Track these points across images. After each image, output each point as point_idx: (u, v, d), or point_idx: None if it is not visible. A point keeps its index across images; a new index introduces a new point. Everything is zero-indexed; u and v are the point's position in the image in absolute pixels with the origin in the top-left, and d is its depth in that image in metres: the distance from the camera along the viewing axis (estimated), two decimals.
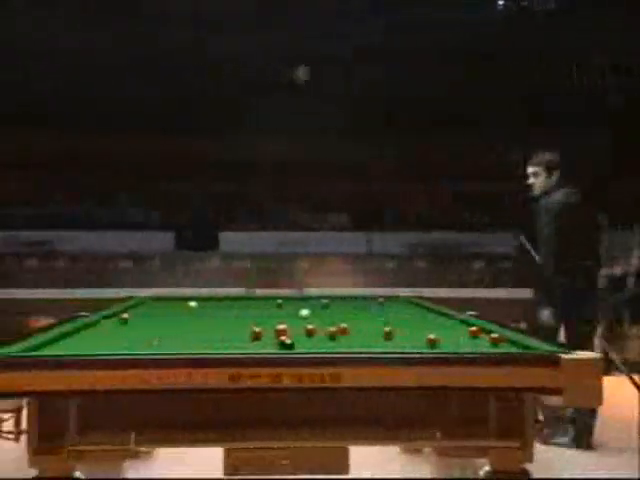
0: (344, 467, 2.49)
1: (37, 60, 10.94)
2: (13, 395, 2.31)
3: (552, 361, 2.38)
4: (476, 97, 11.10)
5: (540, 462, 2.54)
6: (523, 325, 5.98)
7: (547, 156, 5.13)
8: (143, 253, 10.96)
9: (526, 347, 2.68)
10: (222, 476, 2.48)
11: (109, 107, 11.52)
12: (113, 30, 10.72)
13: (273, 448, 2.45)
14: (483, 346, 2.78)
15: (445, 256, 9.14)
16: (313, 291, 7.54)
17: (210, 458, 2.68)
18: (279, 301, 4.74)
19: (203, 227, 11.73)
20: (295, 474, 2.47)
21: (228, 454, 2.46)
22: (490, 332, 2.95)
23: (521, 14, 10.65)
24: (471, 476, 3.43)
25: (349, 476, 2.52)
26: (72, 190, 12.74)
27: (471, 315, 3.70)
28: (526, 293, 9.72)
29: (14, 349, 2.49)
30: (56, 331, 3.02)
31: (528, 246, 5.23)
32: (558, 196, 4.92)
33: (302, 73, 11.54)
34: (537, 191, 5.11)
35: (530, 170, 5.16)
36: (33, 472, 2.41)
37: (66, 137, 12.17)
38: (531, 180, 5.12)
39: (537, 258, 4.99)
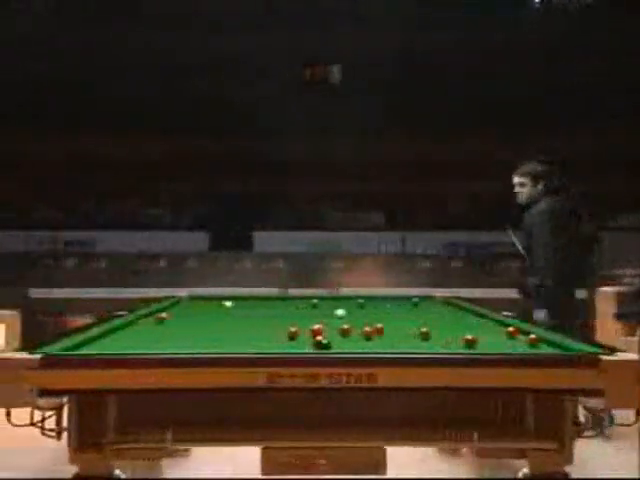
0: (381, 467, 2.47)
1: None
2: (54, 393, 2.33)
3: (592, 362, 2.34)
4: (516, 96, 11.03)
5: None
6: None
7: (533, 166, 5.26)
8: (178, 253, 11.04)
9: (565, 348, 2.64)
10: (260, 476, 2.48)
11: (140, 108, 11.62)
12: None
13: (311, 448, 2.44)
14: (521, 347, 2.75)
15: (480, 256, 9.04)
16: (348, 291, 7.53)
17: (247, 457, 2.68)
18: (314, 301, 4.74)
19: (237, 227, 11.78)
20: (332, 474, 2.46)
21: (266, 454, 2.45)
22: (528, 333, 2.92)
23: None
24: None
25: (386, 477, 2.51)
26: (108, 191, 12.89)
27: (507, 316, 3.67)
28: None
29: (54, 348, 2.51)
30: (95, 330, 3.04)
31: (515, 240, 5.29)
32: (542, 205, 5.01)
33: (336, 72, 11.53)
34: (524, 201, 5.22)
35: (516, 180, 5.30)
36: (74, 469, 2.44)
37: (102, 138, 12.33)
38: (517, 189, 5.26)
39: (523, 252, 5.07)
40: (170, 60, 11.21)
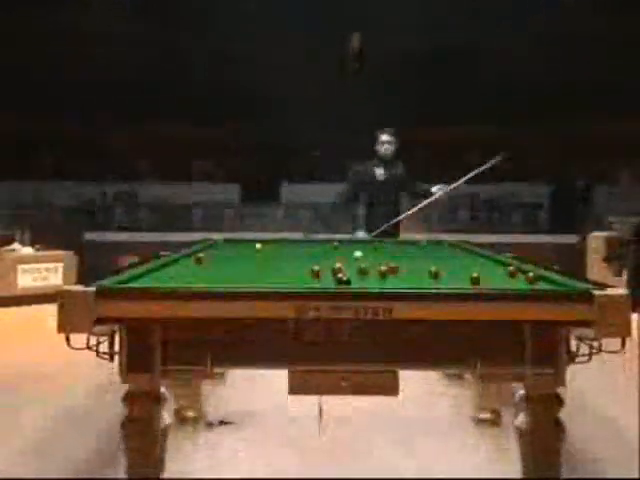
0: (394, 389, 2.50)
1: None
2: (106, 321, 2.36)
3: (585, 297, 2.34)
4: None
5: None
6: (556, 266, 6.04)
7: (392, 130, 6.05)
8: (213, 203, 11.08)
9: (560, 284, 2.63)
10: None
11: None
12: None
13: (332, 371, 2.47)
14: (521, 284, 2.74)
15: (485, 205, 9.00)
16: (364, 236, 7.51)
17: (275, 382, 2.73)
18: (335, 244, 4.74)
19: (265, 180, 11.77)
20: (351, 394, 2.50)
21: (292, 376, 2.49)
22: (527, 272, 2.91)
23: None
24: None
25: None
26: (154, 147, 12.96)
27: (509, 257, 3.65)
28: (559, 239, 9.59)
29: (106, 282, 2.54)
30: (142, 268, 3.07)
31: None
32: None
33: (356, 41, 11.31)
34: (389, 156, 6.03)
35: (386, 138, 6.02)
36: (125, 387, 2.49)
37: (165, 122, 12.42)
38: (386, 146, 6.00)
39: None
40: (219, 56, 11.12)
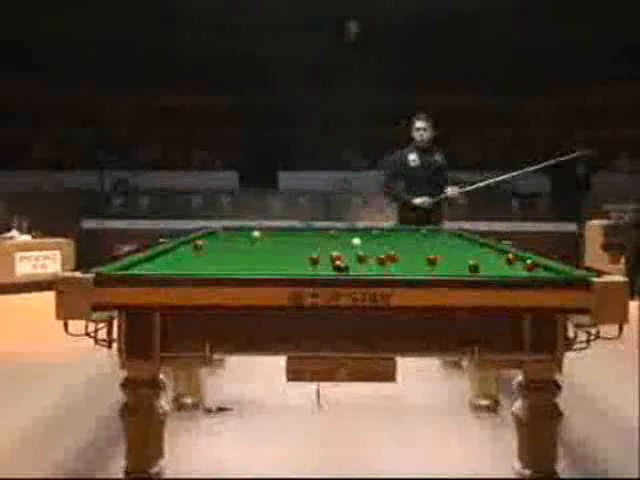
0: (392, 376, 2.50)
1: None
2: (105, 308, 2.36)
3: (583, 284, 2.33)
4: None
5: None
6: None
7: (427, 116, 5.90)
8: (212, 191, 11.04)
9: (559, 272, 2.63)
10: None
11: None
12: None
13: (330, 358, 2.47)
14: (519, 272, 2.74)
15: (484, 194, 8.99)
16: (363, 224, 7.52)
17: (273, 369, 2.73)
18: (333, 232, 4.74)
19: (263, 168, 11.71)
20: (349, 381, 2.50)
21: (290, 362, 2.48)
22: (525, 259, 2.91)
23: None
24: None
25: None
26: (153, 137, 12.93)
27: (508, 245, 3.65)
28: (558, 227, 9.59)
29: (105, 269, 2.53)
30: (140, 255, 3.06)
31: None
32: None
33: (353, 27, 11.23)
34: (425, 142, 5.88)
35: (421, 124, 5.88)
36: (124, 373, 2.49)
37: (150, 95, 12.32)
38: (422, 132, 5.86)
39: None
40: (217, 26, 10.97)
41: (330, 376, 2.49)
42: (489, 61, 10.96)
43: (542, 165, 6.17)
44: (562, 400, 2.50)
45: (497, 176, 6.33)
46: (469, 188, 6.00)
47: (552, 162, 6.14)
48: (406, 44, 10.68)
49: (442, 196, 5.79)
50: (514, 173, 6.26)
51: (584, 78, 11.06)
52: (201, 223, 6.25)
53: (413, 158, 5.91)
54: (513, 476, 2.58)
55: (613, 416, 3.72)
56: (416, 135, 5.91)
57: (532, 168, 6.19)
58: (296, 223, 8.90)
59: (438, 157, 5.97)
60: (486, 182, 6.17)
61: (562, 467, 2.59)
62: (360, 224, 8.18)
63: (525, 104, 12.47)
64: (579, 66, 10.79)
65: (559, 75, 11.21)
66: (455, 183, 5.99)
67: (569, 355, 2.43)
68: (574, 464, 2.99)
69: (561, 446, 2.59)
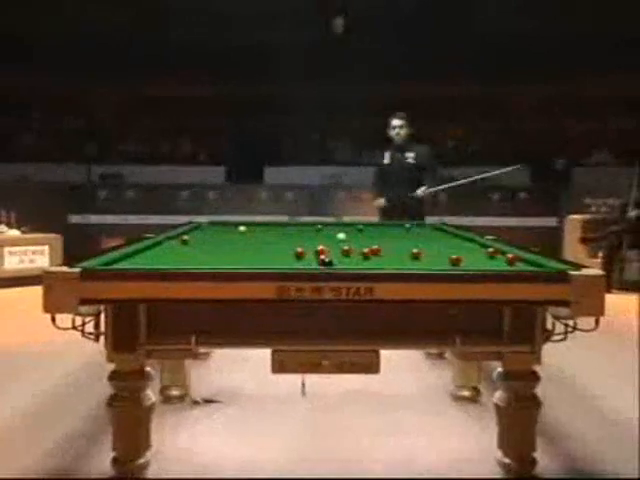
0: (375, 367, 2.53)
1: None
2: (92, 302, 2.36)
3: (561, 277, 2.37)
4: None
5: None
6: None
7: (403, 114, 6.06)
8: (199, 185, 11.00)
9: (538, 265, 2.66)
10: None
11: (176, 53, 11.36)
12: None
13: (314, 351, 2.49)
14: (500, 265, 2.77)
15: (466, 188, 9.05)
16: (349, 219, 7.54)
17: (258, 361, 2.74)
18: (318, 226, 4.75)
19: (250, 162, 11.68)
20: (333, 373, 2.52)
21: (275, 355, 2.50)
22: (506, 253, 2.94)
23: None
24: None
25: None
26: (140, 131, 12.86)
27: (490, 239, 3.68)
28: (539, 221, 9.66)
29: (92, 263, 2.53)
30: (126, 249, 3.06)
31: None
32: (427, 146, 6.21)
33: (339, 24, 11.18)
34: (401, 140, 6.03)
35: (397, 122, 6.03)
36: (111, 366, 2.50)
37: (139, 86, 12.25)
38: (397, 130, 6.01)
39: None
40: (205, 15, 10.87)
41: (314, 368, 2.51)
42: (487, 51, 10.94)
43: (474, 179, 6.67)
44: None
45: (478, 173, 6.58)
46: (436, 188, 6.10)
47: (484, 176, 6.65)
48: (400, 33, 10.63)
49: (410, 195, 5.94)
50: (471, 179, 6.67)
51: (573, 68, 11.09)
52: (188, 218, 6.23)
53: (386, 157, 6.08)
54: (494, 462, 2.62)
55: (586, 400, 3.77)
56: (392, 133, 6.04)
57: (465, 181, 6.60)
58: (282, 217, 8.90)
59: (414, 154, 6.02)
60: (452, 184, 6.53)
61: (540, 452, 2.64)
62: (346, 218, 8.22)
63: (514, 94, 12.55)
64: (571, 56, 10.80)
65: (548, 65, 11.21)
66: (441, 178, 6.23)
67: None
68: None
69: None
